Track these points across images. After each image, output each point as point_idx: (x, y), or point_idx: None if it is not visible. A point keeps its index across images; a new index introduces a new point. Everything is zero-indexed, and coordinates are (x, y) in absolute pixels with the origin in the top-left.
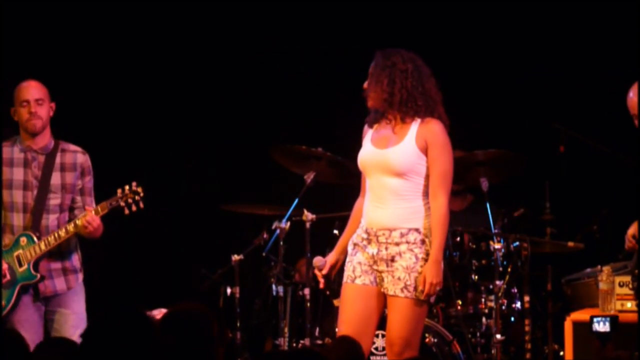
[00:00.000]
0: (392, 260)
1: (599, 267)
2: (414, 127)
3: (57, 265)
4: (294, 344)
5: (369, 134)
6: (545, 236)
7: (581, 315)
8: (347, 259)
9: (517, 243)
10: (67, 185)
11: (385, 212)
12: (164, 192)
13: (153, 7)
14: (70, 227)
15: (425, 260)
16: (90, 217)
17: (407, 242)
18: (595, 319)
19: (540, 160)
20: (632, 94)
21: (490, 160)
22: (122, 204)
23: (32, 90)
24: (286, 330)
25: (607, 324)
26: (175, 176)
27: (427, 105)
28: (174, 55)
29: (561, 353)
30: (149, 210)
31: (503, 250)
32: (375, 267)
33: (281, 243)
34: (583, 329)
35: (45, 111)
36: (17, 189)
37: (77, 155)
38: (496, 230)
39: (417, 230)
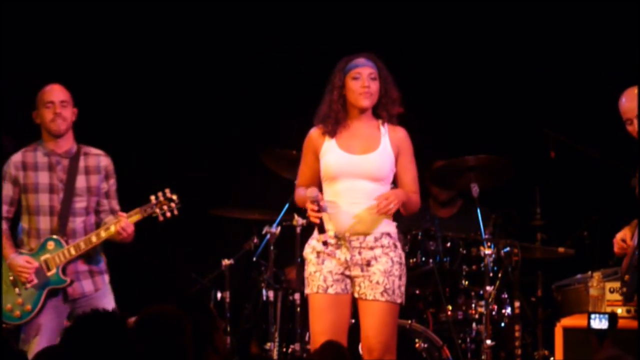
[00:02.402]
0: (368, 264)
1: (590, 272)
2: (384, 133)
3: (84, 267)
4: (284, 349)
5: (329, 142)
6: (536, 242)
7: (571, 321)
8: (314, 268)
9: (508, 248)
10: (92, 188)
11: (359, 217)
12: (153, 194)
13: (144, 8)
14: (103, 232)
15: (400, 264)
16: (125, 223)
17: (382, 247)
18: (592, 316)
19: (531, 166)
20: (624, 100)
21: (480, 166)
22: (157, 210)
23: (57, 92)
24: (276, 335)
25: (605, 321)
26: (164, 179)
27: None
28: (164, 57)
29: (551, 359)
30: None
31: (493, 255)
32: (347, 272)
33: (271, 248)
34: (573, 335)
35: (69, 113)
36: (43, 192)
37: (100, 159)
38: (487, 236)
39: (389, 234)
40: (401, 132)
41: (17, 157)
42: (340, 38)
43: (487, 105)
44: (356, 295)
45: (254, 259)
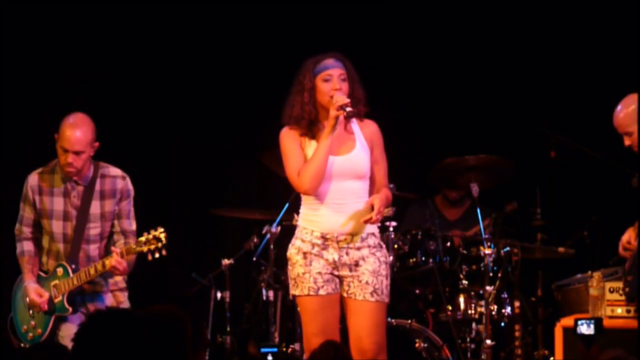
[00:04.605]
0: (357, 265)
1: (590, 272)
2: (356, 128)
3: (104, 285)
4: (284, 349)
5: (310, 145)
6: (536, 242)
7: (571, 321)
8: (302, 270)
9: (508, 248)
10: (106, 214)
11: (346, 217)
12: (152, 195)
13: (144, 10)
14: (99, 266)
15: (386, 263)
16: (117, 261)
17: (369, 247)
18: (579, 322)
19: (531, 166)
20: (619, 108)
21: (480, 166)
22: (145, 249)
23: (73, 143)
24: (276, 334)
25: (592, 326)
26: (164, 180)
27: None
28: (164, 58)
29: (551, 358)
30: (138, 214)
31: (493, 255)
32: (336, 272)
33: (271, 247)
34: (573, 335)
35: (82, 161)
36: (57, 219)
37: (116, 181)
38: (487, 236)
39: (374, 234)
40: (373, 126)
41: (33, 180)
42: (340, 39)
43: (487, 105)
44: (345, 295)
45: (254, 258)
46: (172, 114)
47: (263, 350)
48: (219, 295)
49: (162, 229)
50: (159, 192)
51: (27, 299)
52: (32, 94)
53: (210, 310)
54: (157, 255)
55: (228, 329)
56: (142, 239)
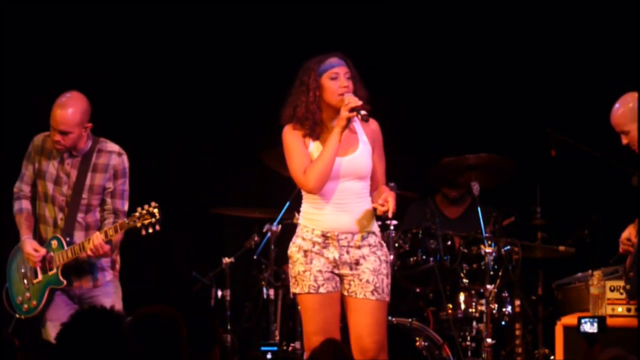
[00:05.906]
0: (357, 263)
1: (590, 271)
2: (359, 128)
3: (84, 263)
4: (285, 347)
5: (314, 146)
6: (536, 240)
7: (572, 319)
8: (302, 268)
9: (508, 247)
10: (94, 187)
11: (347, 216)
12: (153, 194)
13: (144, 9)
14: (86, 244)
15: (387, 262)
16: (99, 243)
17: (369, 245)
18: (582, 320)
19: (532, 165)
20: (617, 106)
21: (481, 165)
22: (139, 224)
23: (59, 121)
24: (277, 333)
25: (595, 324)
26: (165, 179)
27: None
28: (163, 57)
29: (552, 357)
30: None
31: (494, 254)
32: (336, 271)
33: (272, 246)
34: (573, 334)
35: (70, 141)
36: (49, 181)
37: (111, 157)
38: (487, 235)
39: (374, 233)
40: (374, 125)
41: (38, 140)
42: (340, 39)
43: (487, 104)
44: (345, 293)
45: (255, 257)
46: (173, 113)
47: (263, 349)
48: (219, 293)
49: (155, 204)
50: (160, 191)
51: (23, 267)
52: (32, 94)
53: (210, 308)
54: (150, 230)
55: (228, 327)
56: (136, 213)
